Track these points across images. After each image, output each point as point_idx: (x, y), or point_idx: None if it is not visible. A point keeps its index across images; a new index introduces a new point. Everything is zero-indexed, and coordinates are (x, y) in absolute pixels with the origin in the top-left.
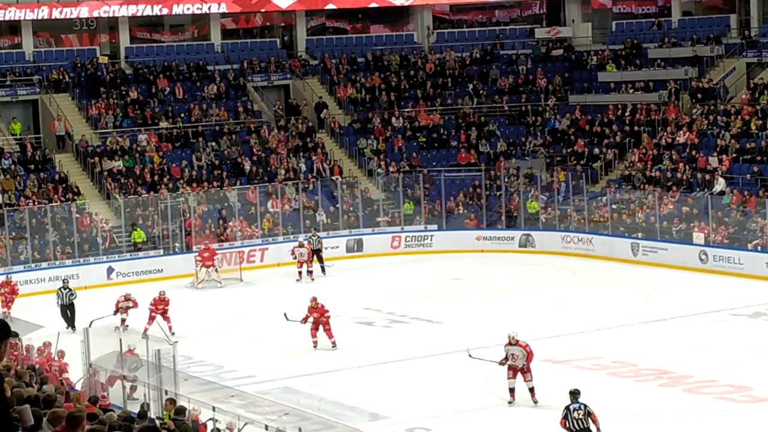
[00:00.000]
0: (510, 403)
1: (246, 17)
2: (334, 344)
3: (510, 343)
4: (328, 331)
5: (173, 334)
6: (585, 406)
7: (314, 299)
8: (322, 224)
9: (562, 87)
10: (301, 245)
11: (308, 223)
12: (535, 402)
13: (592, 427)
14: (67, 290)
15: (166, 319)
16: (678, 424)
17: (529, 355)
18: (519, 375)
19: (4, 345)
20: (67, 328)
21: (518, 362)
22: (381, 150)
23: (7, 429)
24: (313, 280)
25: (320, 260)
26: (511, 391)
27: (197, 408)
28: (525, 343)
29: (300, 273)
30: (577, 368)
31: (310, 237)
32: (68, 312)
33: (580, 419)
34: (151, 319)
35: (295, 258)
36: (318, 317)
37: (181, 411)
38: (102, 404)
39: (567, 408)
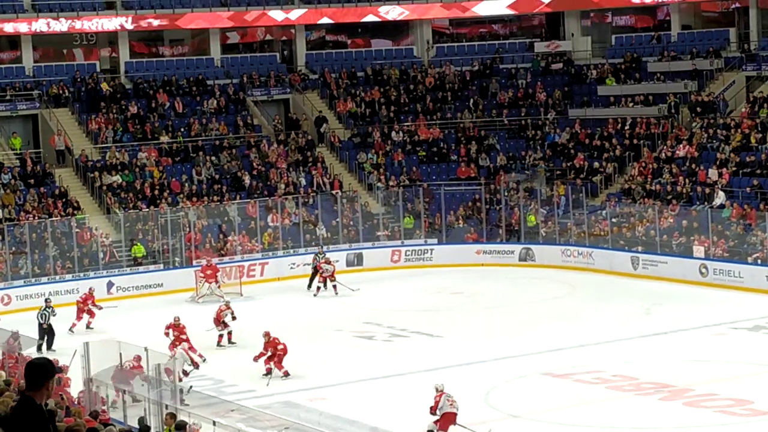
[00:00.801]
0: None
1: (244, 32)
2: (286, 374)
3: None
4: (278, 363)
5: (204, 360)
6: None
7: (267, 333)
8: (322, 238)
9: (561, 101)
10: (327, 261)
11: (308, 237)
12: None
13: None
14: (50, 309)
15: (190, 346)
16: None
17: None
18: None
19: (51, 383)
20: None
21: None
22: (381, 164)
23: None
24: (336, 294)
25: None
26: None
27: (198, 423)
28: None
29: (318, 288)
30: (578, 382)
31: (317, 254)
32: (47, 334)
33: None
34: (173, 345)
35: (322, 272)
36: (274, 351)
37: (181, 426)
38: (102, 419)
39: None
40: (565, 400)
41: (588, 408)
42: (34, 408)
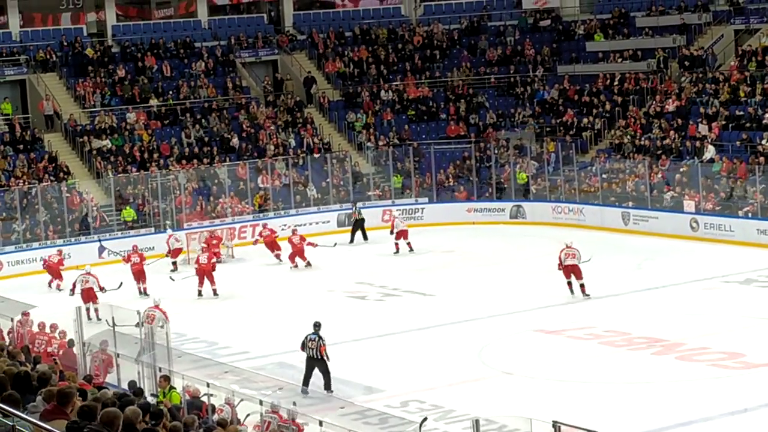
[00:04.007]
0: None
1: None
2: (308, 264)
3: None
4: (301, 255)
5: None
6: (320, 338)
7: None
8: (312, 199)
9: (550, 57)
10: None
11: (298, 199)
12: None
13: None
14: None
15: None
16: (672, 392)
17: None
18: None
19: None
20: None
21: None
22: (370, 124)
23: None
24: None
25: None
26: None
27: (190, 384)
28: None
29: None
30: (570, 338)
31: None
32: None
33: (312, 348)
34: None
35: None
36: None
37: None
38: (96, 382)
39: (306, 337)
40: (558, 357)
41: (581, 363)
42: None
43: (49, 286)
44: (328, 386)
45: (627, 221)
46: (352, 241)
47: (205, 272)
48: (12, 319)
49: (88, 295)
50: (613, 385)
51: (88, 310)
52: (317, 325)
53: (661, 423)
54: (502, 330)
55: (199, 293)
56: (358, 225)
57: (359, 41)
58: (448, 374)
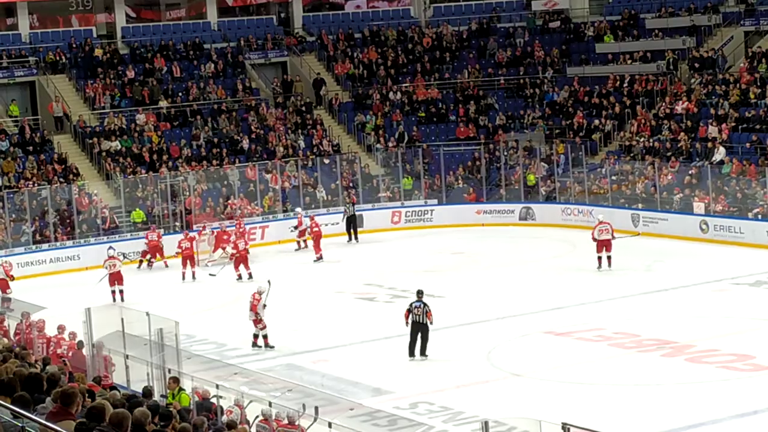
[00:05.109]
0: None
1: None
2: (319, 257)
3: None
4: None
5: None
6: (425, 304)
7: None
8: (322, 201)
9: (559, 59)
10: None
11: (308, 200)
12: None
13: (427, 321)
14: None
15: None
16: (681, 394)
17: None
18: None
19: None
20: None
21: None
22: (380, 125)
23: None
24: None
25: (354, 228)
26: None
27: (199, 386)
28: None
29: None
30: (580, 340)
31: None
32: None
33: (418, 315)
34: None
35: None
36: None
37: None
38: (105, 383)
39: (411, 304)
40: (567, 359)
41: (590, 366)
42: None
43: None
44: (424, 351)
45: (636, 223)
46: (349, 239)
47: (242, 258)
48: (22, 320)
49: (114, 278)
50: (622, 387)
51: (113, 292)
52: (420, 293)
53: (670, 425)
54: (512, 332)
55: (240, 277)
56: (351, 221)
57: (369, 43)
58: (457, 376)
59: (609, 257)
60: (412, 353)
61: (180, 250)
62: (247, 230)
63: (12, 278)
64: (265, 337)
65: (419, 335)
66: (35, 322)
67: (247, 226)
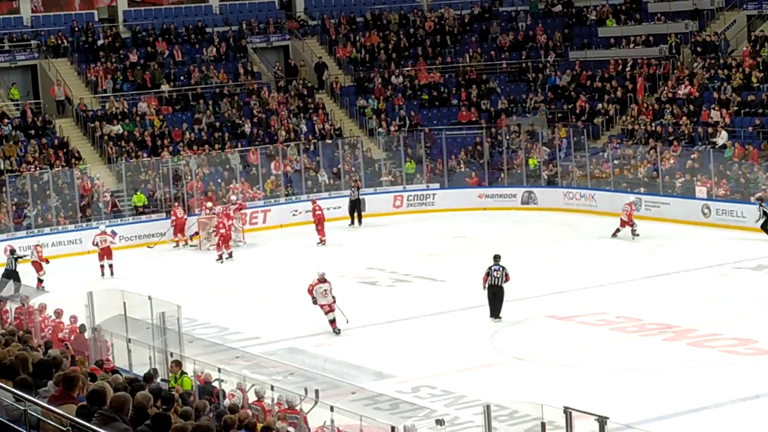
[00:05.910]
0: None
1: None
2: (323, 242)
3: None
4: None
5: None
6: (503, 268)
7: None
8: (324, 185)
9: (562, 43)
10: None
11: (310, 184)
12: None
13: (505, 285)
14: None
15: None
16: (683, 378)
17: None
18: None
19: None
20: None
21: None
22: (382, 109)
23: None
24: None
25: (359, 212)
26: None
27: (201, 369)
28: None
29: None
30: (582, 324)
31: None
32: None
33: (497, 277)
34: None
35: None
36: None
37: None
38: (107, 367)
39: (489, 268)
40: (570, 343)
41: (592, 350)
42: None
43: None
44: (497, 313)
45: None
46: (352, 223)
47: (225, 238)
48: (23, 305)
49: (104, 253)
50: (624, 371)
51: (102, 267)
52: (498, 257)
53: (672, 409)
54: (514, 316)
55: (220, 258)
56: (355, 205)
57: (371, 26)
58: (459, 360)
59: (633, 230)
60: (494, 316)
61: (215, 230)
62: (232, 215)
63: (46, 261)
64: (332, 321)
65: (494, 297)
66: (36, 307)
67: (248, 210)
